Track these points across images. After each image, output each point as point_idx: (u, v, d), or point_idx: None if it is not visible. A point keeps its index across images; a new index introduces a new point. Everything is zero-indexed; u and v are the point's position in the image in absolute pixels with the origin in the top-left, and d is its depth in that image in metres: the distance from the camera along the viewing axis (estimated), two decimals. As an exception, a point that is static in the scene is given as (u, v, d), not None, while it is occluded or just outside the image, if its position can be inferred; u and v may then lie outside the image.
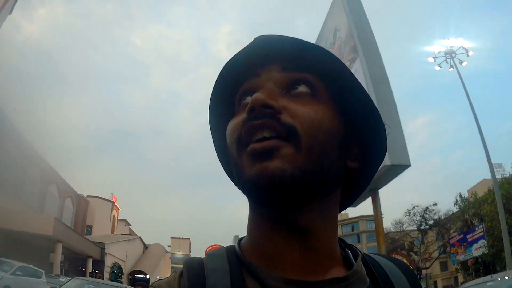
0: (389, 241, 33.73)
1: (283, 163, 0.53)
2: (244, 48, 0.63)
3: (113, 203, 35.80)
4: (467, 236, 26.34)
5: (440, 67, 17.79)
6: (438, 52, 17.67)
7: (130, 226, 51.19)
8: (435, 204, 32.44)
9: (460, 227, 29.70)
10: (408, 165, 7.47)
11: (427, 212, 32.25)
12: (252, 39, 0.63)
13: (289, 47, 0.60)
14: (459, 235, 28.54)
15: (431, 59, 18.05)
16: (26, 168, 20.47)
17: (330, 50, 0.62)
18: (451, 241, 29.29)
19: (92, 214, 30.19)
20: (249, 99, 0.59)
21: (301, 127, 0.55)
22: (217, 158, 0.73)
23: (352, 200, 0.70)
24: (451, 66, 17.27)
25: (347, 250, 0.65)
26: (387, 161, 6.71)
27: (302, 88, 0.60)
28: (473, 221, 28.34)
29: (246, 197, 0.62)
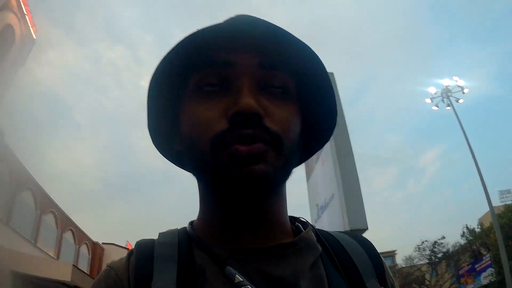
0: (404, 275, 33.30)
1: (267, 166, 0.56)
2: (221, 24, 0.60)
3: (128, 249, 35.66)
4: (476, 266, 26.39)
5: (438, 107, 18.35)
6: (434, 93, 18.31)
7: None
8: (443, 238, 32.72)
9: (469, 257, 29.36)
10: (366, 229, 7.78)
11: (435, 246, 32.52)
12: (231, 16, 0.61)
13: (270, 38, 0.59)
14: (468, 265, 28.70)
15: (428, 100, 18.67)
16: (42, 214, 20.88)
17: None
18: (461, 272, 29.45)
19: (108, 260, 30.09)
20: (217, 87, 0.59)
21: (283, 134, 0.58)
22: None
23: None
24: (448, 105, 17.81)
25: (297, 223, 0.69)
26: (346, 226, 7.04)
27: (277, 88, 0.61)
28: (481, 251, 28.11)
29: (199, 183, 0.66)
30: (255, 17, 0.59)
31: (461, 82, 17.74)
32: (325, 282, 0.60)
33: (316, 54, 0.62)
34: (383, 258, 0.71)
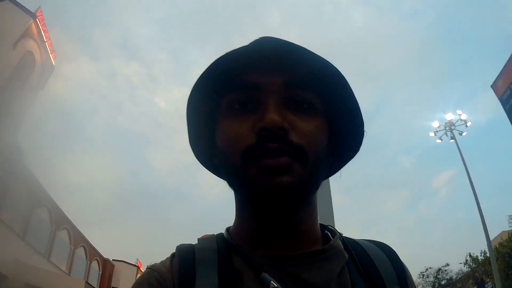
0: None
1: (293, 178, 0.59)
2: (248, 46, 0.64)
3: (138, 267, 36.08)
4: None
5: (441, 139, 18.51)
6: (438, 127, 18.48)
7: None
8: (447, 265, 32.97)
9: (472, 284, 29.43)
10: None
11: (439, 273, 32.70)
12: (256, 38, 0.66)
13: (293, 58, 0.63)
14: None
15: (432, 134, 18.85)
16: (56, 230, 21.74)
17: None
18: (465, 298, 29.38)
19: (118, 277, 30.55)
20: (247, 106, 0.64)
21: (308, 147, 0.61)
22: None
23: None
24: (452, 138, 17.97)
25: (326, 232, 0.72)
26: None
27: (303, 104, 0.64)
28: (484, 279, 28.18)
29: (235, 193, 0.70)
30: (279, 39, 0.63)
31: (464, 116, 18.02)
32: None
33: (338, 70, 0.65)
34: (406, 267, 0.73)
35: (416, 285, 0.73)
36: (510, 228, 25.76)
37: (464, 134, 17.98)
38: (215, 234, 0.73)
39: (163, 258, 0.70)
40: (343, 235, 0.73)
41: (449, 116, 18.32)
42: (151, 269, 0.67)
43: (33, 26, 18.17)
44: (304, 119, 0.63)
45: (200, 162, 0.78)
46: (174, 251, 0.69)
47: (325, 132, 0.66)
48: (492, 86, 19.04)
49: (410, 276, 0.72)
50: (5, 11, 16.69)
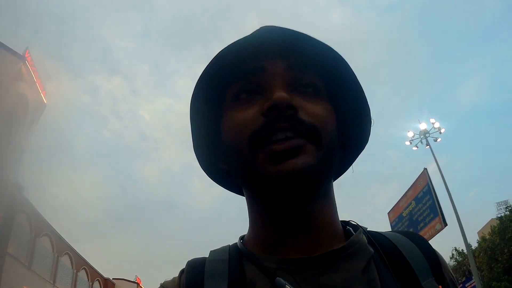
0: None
1: (309, 159, 0.56)
2: (248, 36, 0.63)
3: (137, 284, 37.14)
4: (466, 285, 27.50)
5: (417, 147, 19.16)
6: (413, 136, 19.22)
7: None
8: None
9: (460, 276, 30.80)
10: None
11: None
12: (256, 29, 0.64)
13: (295, 43, 0.61)
14: (459, 284, 29.78)
15: (407, 143, 19.56)
16: (59, 257, 22.93)
17: None
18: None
19: None
20: (252, 93, 0.61)
21: (320, 126, 0.58)
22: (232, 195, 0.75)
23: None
24: (427, 145, 18.63)
25: (348, 227, 0.67)
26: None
27: (307, 87, 0.62)
28: (471, 271, 29.63)
29: (247, 194, 0.67)
30: (279, 27, 0.62)
31: (437, 124, 18.86)
32: (378, 285, 0.58)
33: (341, 55, 0.63)
34: (440, 254, 0.68)
35: None
36: (499, 215, 26.20)
37: (439, 140, 19.22)
38: (230, 244, 0.69)
39: (159, 270, 1.04)
40: (368, 229, 0.69)
41: (423, 126, 19.67)
42: (162, 285, 0.66)
43: (23, 68, 19.35)
44: (312, 102, 0.60)
45: (205, 171, 0.74)
46: (183, 267, 0.67)
47: (334, 116, 0.63)
48: (388, 213, 20.52)
49: (444, 264, 0.67)
50: (-6, 55, 17.76)
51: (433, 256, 0.65)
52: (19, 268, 18.36)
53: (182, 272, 0.66)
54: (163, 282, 0.67)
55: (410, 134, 19.74)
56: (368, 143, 0.71)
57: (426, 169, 16.78)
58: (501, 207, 28.40)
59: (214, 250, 0.68)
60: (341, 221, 0.68)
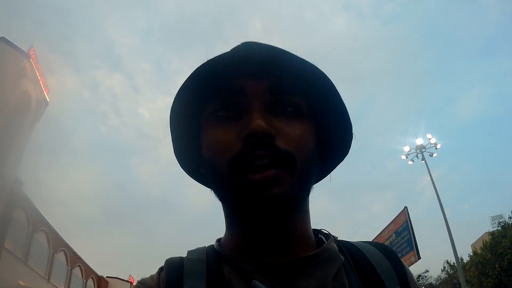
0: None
1: (283, 188, 0.58)
2: (230, 52, 0.63)
3: (131, 283, 37.06)
4: None
5: (413, 161, 19.92)
6: (409, 151, 19.90)
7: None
8: (427, 271, 34.93)
9: None
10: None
11: (419, 279, 34.34)
12: (238, 44, 0.63)
13: (277, 62, 0.61)
14: None
15: (403, 157, 20.23)
16: (54, 253, 23.04)
17: None
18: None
19: None
20: (232, 112, 0.63)
21: (296, 152, 0.60)
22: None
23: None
24: (422, 159, 19.39)
25: (320, 236, 0.71)
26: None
27: (288, 108, 0.63)
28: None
29: (223, 205, 0.68)
30: (260, 43, 0.62)
31: (433, 140, 19.39)
32: None
33: (323, 72, 0.64)
34: (407, 267, 0.71)
35: None
36: (493, 229, 26.76)
37: (434, 155, 19.49)
38: (206, 246, 0.71)
39: (153, 270, 0.69)
40: (338, 238, 0.72)
41: (419, 141, 19.95)
42: (140, 283, 0.67)
43: (28, 66, 19.52)
44: (290, 124, 0.62)
45: (186, 172, 0.76)
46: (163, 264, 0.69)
47: (313, 136, 0.65)
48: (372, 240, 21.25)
49: (411, 275, 0.70)
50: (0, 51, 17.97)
51: (400, 268, 0.69)
52: (15, 263, 18.55)
53: (161, 269, 0.68)
54: (141, 279, 0.69)
55: (406, 148, 20.16)
56: (348, 155, 0.74)
57: (406, 207, 18.14)
58: (496, 221, 28.58)
59: (192, 250, 0.71)
60: (313, 229, 0.71)
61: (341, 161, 0.75)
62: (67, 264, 25.30)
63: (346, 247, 0.70)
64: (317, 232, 0.72)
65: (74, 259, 26.43)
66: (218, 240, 0.72)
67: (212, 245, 0.71)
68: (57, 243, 23.93)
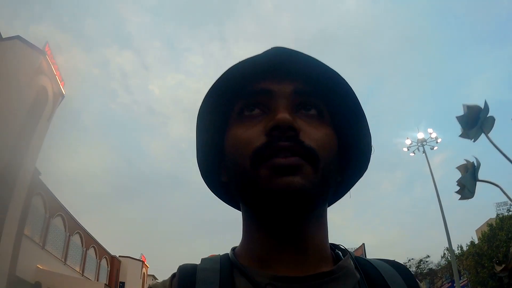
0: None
1: (304, 180, 0.58)
2: (259, 56, 0.66)
3: (142, 262, 37.77)
4: (455, 285, 28.33)
5: (414, 153, 20.54)
6: (410, 143, 20.58)
7: (157, 280, 53.10)
8: (428, 256, 35.54)
9: (451, 275, 31.60)
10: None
11: (420, 263, 35.19)
12: (268, 48, 0.66)
13: (304, 67, 0.64)
14: (448, 283, 31.93)
15: (405, 149, 20.88)
16: (70, 236, 24.26)
17: None
18: (443, 288, 32.48)
19: (124, 272, 32.97)
20: (257, 111, 0.64)
21: (318, 150, 0.60)
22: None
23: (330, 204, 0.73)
24: (423, 152, 20.01)
25: (337, 251, 0.70)
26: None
27: (312, 111, 0.64)
28: (461, 271, 30.39)
29: (243, 208, 0.69)
30: (290, 49, 0.64)
31: (434, 134, 20.07)
32: None
33: (346, 81, 0.66)
34: (420, 284, 0.72)
35: None
36: (500, 214, 26.58)
37: (435, 148, 20.13)
38: (220, 254, 0.71)
39: (165, 248, 0.96)
40: (355, 256, 0.72)
41: (420, 135, 20.49)
42: None
43: (44, 62, 20.31)
44: (313, 126, 0.63)
45: (206, 184, 0.77)
46: (187, 244, 0.80)
47: (335, 142, 0.66)
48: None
49: None
50: (15, 48, 18.64)
51: (414, 286, 0.69)
52: (34, 248, 19.85)
53: (173, 276, 0.67)
54: (152, 284, 0.68)
55: (408, 141, 20.83)
56: (367, 171, 0.73)
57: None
58: (500, 207, 28.69)
59: (205, 259, 0.70)
60: (330, 244, 0.70)
61: (361, 176, 0.75)
62: (82, 245, 26.82)
63: (361, 264, 0.70)
64: (334, 247, 0.72)
65: (88, 241, 27.98)
66: (234, 249, 0.71)
67: (227, 254, 0.70)
68: (73, 226, 25.36)
